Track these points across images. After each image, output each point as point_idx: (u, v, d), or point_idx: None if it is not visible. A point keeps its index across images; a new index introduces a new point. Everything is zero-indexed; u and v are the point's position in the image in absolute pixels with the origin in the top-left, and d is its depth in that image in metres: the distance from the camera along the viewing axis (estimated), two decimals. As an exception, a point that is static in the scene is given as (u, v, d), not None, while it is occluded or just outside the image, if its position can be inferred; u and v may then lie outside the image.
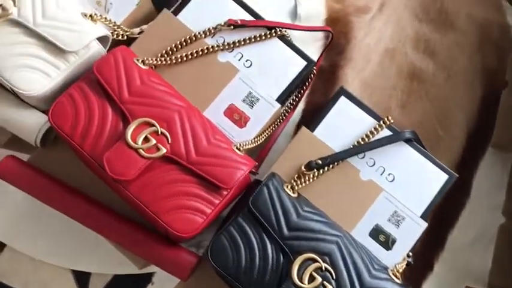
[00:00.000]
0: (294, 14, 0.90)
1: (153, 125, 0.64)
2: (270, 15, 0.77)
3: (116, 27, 0.73)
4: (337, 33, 0.88)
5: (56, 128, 0.63)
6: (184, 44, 0.73)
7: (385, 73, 0.88)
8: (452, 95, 0.89)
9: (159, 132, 0.64)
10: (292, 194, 0.67)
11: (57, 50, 0.66)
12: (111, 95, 0.65)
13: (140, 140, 0.63)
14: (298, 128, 0.86)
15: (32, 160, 0.72)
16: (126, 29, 0.74)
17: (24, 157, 0.73)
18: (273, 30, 0.74)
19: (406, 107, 0.88)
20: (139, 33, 0.75)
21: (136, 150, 0.62)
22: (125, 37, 0.74)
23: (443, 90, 0.89)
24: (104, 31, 0.69)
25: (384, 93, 0.88)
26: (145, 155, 0.62)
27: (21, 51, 0.65)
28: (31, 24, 0.66)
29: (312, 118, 0.82)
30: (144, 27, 0.76)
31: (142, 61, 0.69)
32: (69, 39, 0.66)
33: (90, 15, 0.69)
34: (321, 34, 0.88)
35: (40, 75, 0.66)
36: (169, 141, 0.64)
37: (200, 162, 0.64)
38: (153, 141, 0.63)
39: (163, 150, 0.63)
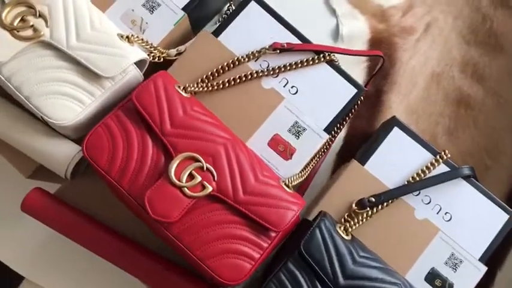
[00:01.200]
0: (336, 34, 0.84)
1: (198, 160, 0.58)
2: (310, 34, 0.72)
3: (152, 48, 0.67)
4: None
5: (91, 162, 0.58)
6: (226, 68, 0.67)
7: (432, 98, 0.83)
8: (502, 123, 0.83)
9: (205, 168, 0.58)
10: (345, 237, 0.61)
11: (91, 75, 0.61)
12: (152, 126, 0.59)
13: (184, 177, 0.57)
14: (339, 156, 0.81)
15: (60, 193, 0.66)
16: (162, 51, 0.68)
17: (52, 187, 0.67)
18: (321, 55, 0.69)
19: (453, 135, 0.82)
20: (176, 54, 0.69)
21: (180, 188, 0.57)
22: (161, 59, 0.68)
23: (492, 117, 0.83)
24: (142, 54, 0.64)
25: (430, 120, 0.83)
26: (190, 193, 0.57)
27: (52, 77, 0.60)
28: (64, 47, 0.60)
29: (357, 147, 0.77)
30: (181, 48, 0.70)
31: (184, 88, 0.63)
32: (105, 63, 0.60)
33: (127, 37, 0.64)
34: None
35: (73, 103, 0.60)
36: (215, 178, 0.58)
37: (248, 201, 0.58)
38: (199, 179, 0.57)
39: (209, 189, 0.58)
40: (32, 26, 0.59)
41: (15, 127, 0.62)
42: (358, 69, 0.82)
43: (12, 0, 0.60)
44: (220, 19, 0.83)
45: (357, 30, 0.84)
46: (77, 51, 0.60)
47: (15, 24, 0.59)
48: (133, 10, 0.69)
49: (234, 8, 0.83)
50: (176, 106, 0.60)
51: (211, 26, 0.83)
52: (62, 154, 0.62)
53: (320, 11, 0.85)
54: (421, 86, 0.83)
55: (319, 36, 0.83)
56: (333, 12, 0.85)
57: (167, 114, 0.60)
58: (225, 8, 0.83)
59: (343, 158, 0.80)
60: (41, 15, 0.60)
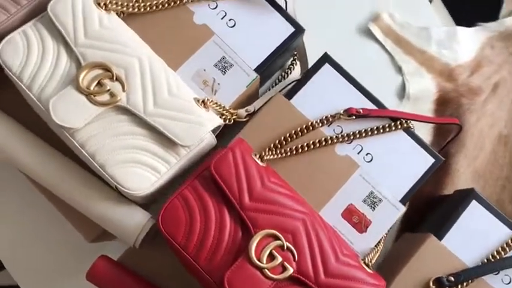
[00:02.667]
0: (402, 92, 0.82)
1: (278, 238, 0.55)
2: (376, 92, 0.69)
3: (224, 111, 0.65)
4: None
5: (167, 237, 0.55)
6: (299, 133, 0.65)
7: (499, 162, 0.80)
8: None
9: (285, 248, 0.55)
10: (428, 322, 0.58)
11: (167, 142, 0.58)
12: (230, 200, 0.56)
13: (265, 257, 0.54)
14: (403, 222, 0.77)
15: (125, 259, 0.63)
16: (232, 112, 0.66)
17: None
18: (398, 122, 0.66)
19: (520, 201, 0.79)
20: (246, 116, 0.67)
21: (261, 269, 0.54)
22: (232, 121, 0.66)
23: (561, 183, 0.80)
24: (219, 121, 0.61)
25: (496, 185, 0.79)
26: (271, 275, 0.54)
27: (128, 144, 0.57)
28: (141, 113, 0.58)
29: (422, 213, 0.74)
30: (250, 108, 0.68)
31: (260, 156, 0.61)
32: (183, 131, 0.58)
33: (203, 101, 0.61)
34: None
35: (148, 172, 0.57)
36: (296, 258, 0.55)
37: (330, 284, 0.55)
38: (279, 259, 0.55)
39: (290, 270, 0.55)
40: (109, 90, 0.57)
41: (82, 192, 0.60)
42: (424, 129, 0.79)
43: (89, 62, 0.58)
44: (282, 73, 0.81)
45: (423, 89, 0.81)
46: (154, 118, 0.58)
47: (91, 88, 0.57)
48: (205, 70, 0.66)
49: (297, 62, 0.81)
50: (254, 178, 0.58)
51: (272, 82, 0.80)
52: (132, 222, 0.59)
53: (386, 68, 0.83)
54: (489, 149, 0.80)
55: (385, 94, 0.80)
56: (399, 69, 0.82)
57: (246, 187, 0.57)
58: (288, 62, 0.81)
59: (407, 223, 0.77)
60: (117, 79, 0.58)
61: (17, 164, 0.62)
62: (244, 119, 0.67)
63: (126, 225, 0.59)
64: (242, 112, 0.67)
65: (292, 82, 0.74)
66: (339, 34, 0.83)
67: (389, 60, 0.83)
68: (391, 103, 0.81)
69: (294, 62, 0.80)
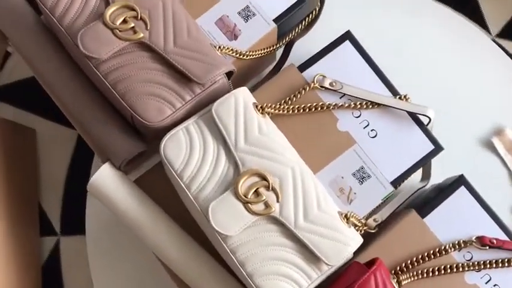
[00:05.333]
0: (516, 210, 0.82)
1: None
2: (492, 207, 0.69)
3: (359, 222, 0.65)
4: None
5: None
6: (432, 256, 0.65)
7: None
8: None
9: None
10: None
11: (311, 256, 0.59)
12: (371, 328, 0.57)
13: None
14: None
15: None
16: (364, 222, 0.66)
17: None
18: (529, 257, 0.66)
19: None
20: (375, 227, 0.67)
21: None
22: (362, 231, 0.66)
23: None
24: (360, 240, 0.62)
25: None
26: None
27: (276, 255, 0.58)
28: (292, 226, 0.58)
29: None
30: (378, 218, 0.68)
31: (398, 281, 0.61)
32: (329, 250, 0.58)
33: (346, 216, 0.62)
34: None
35: (291, 286, 0.58)
36: None
37: None
38: None
39: None
40: (264, 200, 0.58)
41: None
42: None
43: (248, 170, 0.59)
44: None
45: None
46: (303, 233, 0.58)
47: (249, 196, 0.58)
48: (343, 178, 0.67)
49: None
50: (395, 307, 0.58)
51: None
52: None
53: (504, 183, 0.82)
54: None
55: (501, 210, 0.79)
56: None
57: (386, 316, 0.57)
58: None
59: None
60: (272, 189, 0.59)
61: (154, 250, 0.63)
62: (373, 230, 0.67)
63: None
64: (372, 223, 0.67)
65: (417, 190, 0.75)
66: (460, 144, 0.83)
67: (509, 176, 0.83)
68: (506, 219, 0.80)
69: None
